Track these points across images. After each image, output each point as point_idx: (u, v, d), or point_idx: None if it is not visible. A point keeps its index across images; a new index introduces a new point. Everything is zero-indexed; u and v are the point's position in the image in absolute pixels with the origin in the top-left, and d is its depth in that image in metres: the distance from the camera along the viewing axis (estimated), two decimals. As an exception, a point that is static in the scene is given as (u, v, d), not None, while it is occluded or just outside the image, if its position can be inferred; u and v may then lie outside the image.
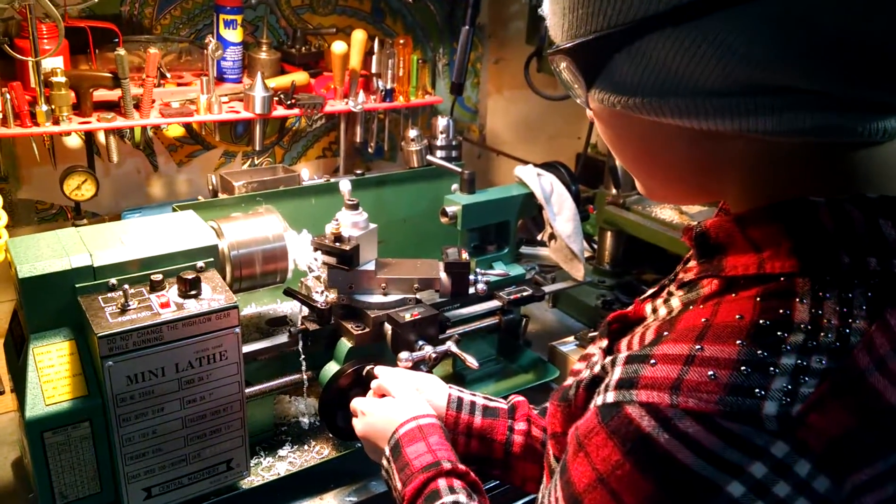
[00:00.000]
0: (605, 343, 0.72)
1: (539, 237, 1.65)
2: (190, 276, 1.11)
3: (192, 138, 1.81)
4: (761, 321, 0.55)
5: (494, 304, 1.51)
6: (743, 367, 0.53)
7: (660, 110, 0.60)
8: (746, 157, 0.62)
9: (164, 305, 1.08)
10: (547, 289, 1.60)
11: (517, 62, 2.11)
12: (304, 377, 1.34)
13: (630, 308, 0.77)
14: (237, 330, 1.13)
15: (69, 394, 1.06)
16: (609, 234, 1.96)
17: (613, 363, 0.62)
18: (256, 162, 1.92)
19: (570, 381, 0.76)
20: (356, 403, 1.12)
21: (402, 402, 1.06)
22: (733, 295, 0.59)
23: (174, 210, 1.37)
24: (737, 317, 0.56)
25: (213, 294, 1.13)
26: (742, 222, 0.62)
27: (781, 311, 0.55)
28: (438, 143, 1.72)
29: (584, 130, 2.47)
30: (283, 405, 1.45)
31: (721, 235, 0.64)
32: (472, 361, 1.26)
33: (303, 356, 1.32)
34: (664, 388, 0.55)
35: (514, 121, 2.35)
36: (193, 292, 1.11)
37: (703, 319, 0.58)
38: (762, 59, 0.54)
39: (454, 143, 1.74)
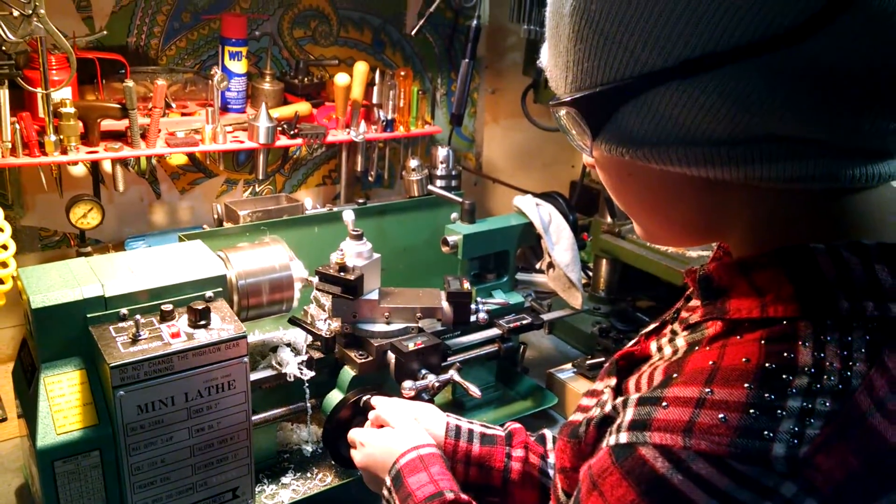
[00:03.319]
0: (613, 381, 0.74)
1: (538, 266, 1.68)
2: (200, 306, 1.13)
3: (195, 166, 1.84)
4: (767, 364, 0.57)
5: (494, 332, 1.53)
6: (752, 410, 0.55)
7: (667, 159, 0.62)
8: (750, 204, 0.65)
9: (175, 336, 1.10)
10: (545, 317, 1.62)
11: (513, 92, 2.15)
12: (308, 405, 1.36)
13: (635, 346, 0.79)
14: (245, 359, 1.15)
15: (80, 423, 1.08)
16: (604, 261, 1.99)
17: (625, 404, 0.64)
18: (258, 190, 1.94)
19: (578, 416, 0.78)
20: (354, 434, 1.13)
21: (402, 433, 1.07)
22: (738, 337, 0.61)
23: (180, 239, 1.39)
24: (743, 360, 0.58)
25: (223, 324, 1.15)
26: (745, 267, 0.65)
27: (786, 354, 0.57)
28: (438, 172, 1.76)
29: (579, 159, 2.52)
30: (285, 432, 1.46)
31: (725, 279, 0.66)
32: (474, 391, 1.28)
33: (306, 384, 1.34)
34: (677, 430, 0.57)
35: (509, 149, 2.39)
36: (203, 322, 1.13)
37: (710, 362, 0.60)
38: (770, 109, 0.56)
39: (454, 172, 1.77)
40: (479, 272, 1.65)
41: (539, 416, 1.61)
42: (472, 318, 1.43)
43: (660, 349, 0.75)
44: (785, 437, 0.54)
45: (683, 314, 0.77)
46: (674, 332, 0.75)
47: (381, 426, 1.13)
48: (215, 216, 1.55)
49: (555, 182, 2.45)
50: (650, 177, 0.67)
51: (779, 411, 0.55)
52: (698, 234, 0.72)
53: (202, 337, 1.11)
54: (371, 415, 1.16)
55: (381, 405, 1.15)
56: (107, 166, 1.62)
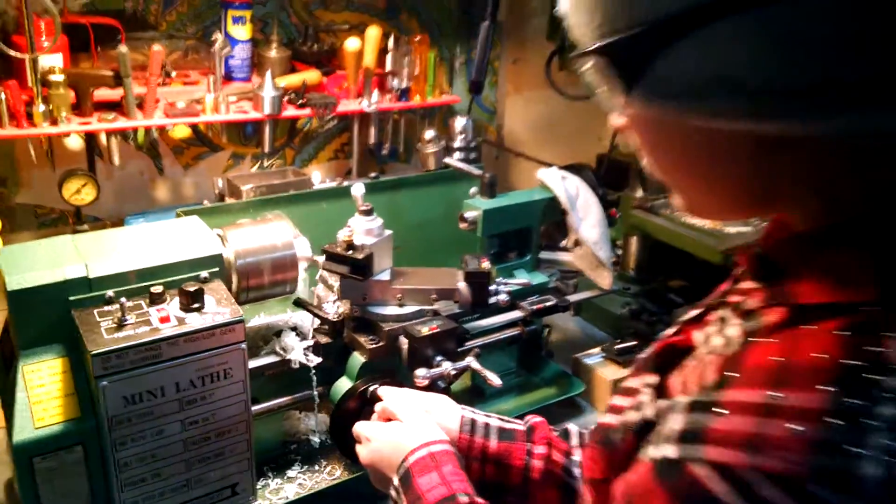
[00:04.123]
0: (654, 379, 0.63)
1: (563, 244, 1.56)
2: (192, 287, 1.03)
3: (199, 140, 1.74)
4: (849, 361, 0.47)
5: (516, 314, 1.42)
6: (832, 419, 0.45)
7: (716, 113, 0.51)
8: (813, 167, 0.54)
9: (164, 320, 1.01)
10: (571, 298, 1.51)
11: (536, 61, 2.03)
12: (315, 393, 1.26)
13: (676, 335, 0.68)
14: (243, 346, 1.05)
15: (61, 416, 0.99)
16: (634, 239, 1.86)
17: (671, 409, 0.53)
18: (266, 164, 1.84)
19: (610, 418, 0.67)
20: (360, 428, 1.04)
21: (411, 427, 0.98)
22: (807, 327, 0.51)
23: (178, 216, 1.30)
24: (817, 356, 0.48)
25: (218, 307, 1.05)
26: (815, 243, 0.54)
27: (871, 348, 0.47)
28: (456, 144, 1.64)
29: (606, 130, 2.39)
30: (291, 421, 1.37)
31: (790, 257, 0.56)
32: (493, 379, 1.18)
33: (313, 371, 1.24)
34: (739, 444, 0.47)
35: (532, 121, 2.26)
36: (196, 305, 1.03)
37: (777, 358, 0.50)
38: (839, 50, 0.46)
39: (473, 144, 1.65)
40: (500, 251, 1.53)
41: (564, 405, 1.50)
42: (492, 300, 1.32)
43: (707, 339, 0.64)
44: (877, 453, 0.44)
45: (733, 298, 0.65)
46: (723, 320, 0.64)
47: (389, 419, 1.03)
48: (216, 191, 1.46)
49: (581, 155, 2.32)
50: (695, 136, 0.57)
51: (868, 420, 0.44)
52: (749, 205, 0.61)
53: (195, 321, 1.01)
54: (377, 407, 1.07)
55: (389, 396, 1.06)
56: (104, 139, 1.52)
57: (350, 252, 1.21)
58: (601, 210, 1.51)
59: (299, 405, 1.29)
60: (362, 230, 1.25)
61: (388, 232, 1.28)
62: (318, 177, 1.56)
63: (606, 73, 0.56)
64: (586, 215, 1.50)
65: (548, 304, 1.43)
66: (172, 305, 1.04)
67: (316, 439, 1.31)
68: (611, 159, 1.94)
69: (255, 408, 1.22)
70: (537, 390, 1.55)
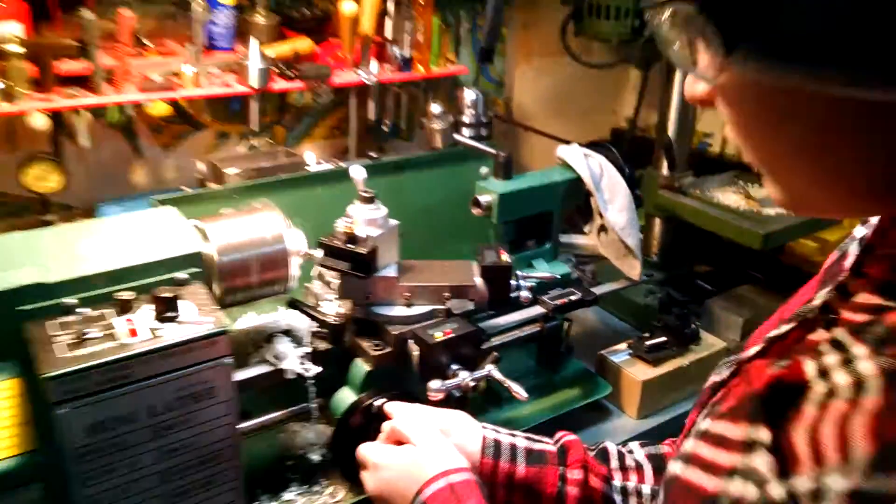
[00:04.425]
0: (766, 435, 0.48)
1: (586, 230, 1.41)
2: (167, 293, 0.88)
3: (180, 117, 1.57)
4: None
5: (537, 311, 1.27)
6: None
7: (847, 79, 0.39)
8: None
9: (134, 333, 0.85)
10: (598, 290, 1.36)
11: (548, 26, 1.86)
12: (313, 406, 1.12)
13: (779, 365, 0.53)
14: (228, 360, 0.90)
15: (15, 448, 0.84)
16: (657, 221, 1.71)
17: (817, 496, 0.38)
18: (255, 144, 1.68)
19: (698, 476, 0.52)
20: (366, 452, 0.91)
21: (426, 453, 0.86)
22: None
23: (153, 206, 1.14)
24: None
25: (198, 316, 0.89)
26: None
27: None
28: (465, 120, 1.47)
29: (622, 103, 2.23)
30: (288, 434, 1.22)
31: None
32: (520, 392, 1.03)
33: (311, 381, 1.09)
34: None
35: (543, 94, 2.09)
36: (171, 315, 0.88)
37: None
38: None
39: (484, 119, 1.49)
40: (516, 238, 1.38)
41: (590, 408, 1.36)
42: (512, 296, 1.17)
43: (825, 374, 0.49)
44: None
45: (848, 315, 0.50)
46: (839, 345, 0.48)
47: (399, 442, 0.89)
48: (198, 176, 1.29)
49: (594, 131, 2.16)
50: (807, 107, 0.43)
51: None
52: (873, 197, 0.47)
53: (171, 334, 0.86)
54: (385, 426, 0.93)
55: (399, 415, 0.93)
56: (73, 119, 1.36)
57: (351, 246, 1.06)
58: (629, 192, 1.36)
59: (294, 420, 1.14)
60: (364, 220, 1.10)
61: (393, 222, 1.13)
62: (313, 157, 1.40)
63: (699, 26, 0.43)
64: (613, 198, 1.34)
65: (572, 298, 1.28)
66: (144, 314, 0.89)
67: (316, 457, 1.16)
68: (633, 135, 1.79)
69: (245, 424, 1.08)
70: (558, 392, 1.40)
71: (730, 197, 1.52)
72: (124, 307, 0.88)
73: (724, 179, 1.62)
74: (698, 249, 1.75)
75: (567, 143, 1.47)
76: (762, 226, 1.40)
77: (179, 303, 0.89)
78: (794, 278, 1.62)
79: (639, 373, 1.37)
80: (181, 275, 0.94)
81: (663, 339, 1.41)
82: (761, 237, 1.37)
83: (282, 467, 1.18)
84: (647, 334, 1.46)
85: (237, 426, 0.94)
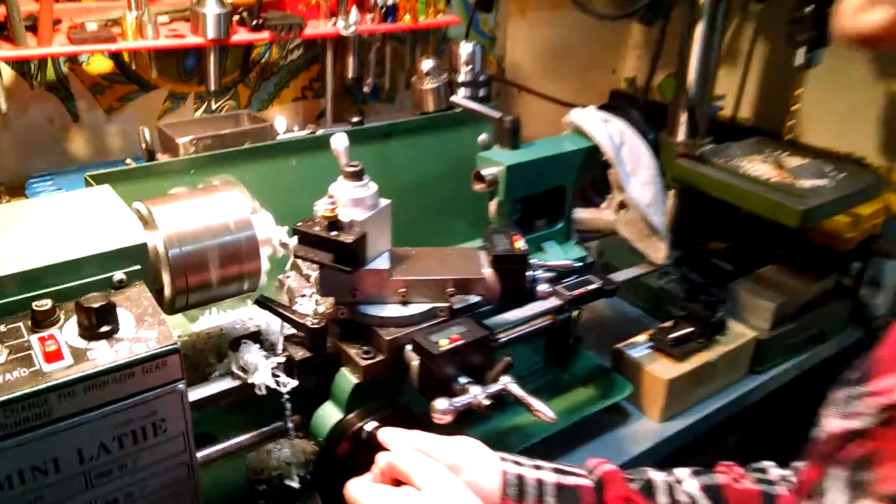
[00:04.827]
0: None
1: (603, 207, 1.22)
2: (98, 301, 0.67)
3: (124, 75, 1.35)
4: None
5: (552, 302, 1.09)
6: None
7: None
8: None
9: (54, 356, 0.65)
10: (617, 277, 1.18)
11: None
12: (289, 424, 0.93)
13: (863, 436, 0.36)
14: (181, 386, 0.70)
15: None
16: (672, 193, 1.53)
17: None
18: (213, 107, 1.46)
19: None
20: (357, 496, 0.72)
21: (434, 500, 0.69)
22: None
23: (87, 184, 0.92)
24: None
25: (139, 329, 0.70)
26: None
27: None
28: (461, 78, 1.27)
29: (621, 63, 2.03)
30: (260, 454, 1.03)
31: None
32: (545, 412, 0.84)
33: (286, 398, 0.90)
34: None
35: (538, 51, 1.89)
36: (104, 329, 0.68)
37: None
38: None
39: (482, 78, 1.28)
40: (523, 217, 1.19)
41: (609, 411, 1.19)
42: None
43: None
44: None
45: None
46: None
47: (397, 481, 0.71)
48: (143, 146, 1.08)
49: (591, 92, 1.98)
50: None
51: None
52: None
53: (103, 355, 0.67)
54: (380, 459, 0.74)
55: (397, 448, 0.75)
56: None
57: (334, 233, 0.85)
58: (655, 162, 1.17)
59: (267, 441, 0.95)
60: (349, 200, 0.90)
61: (384, 201, 0.93)
62: (283, 123, 1.19)
63: None
64: (636, 169, 1.16)
65: (590, 288, 1.10)
66: (67, 330, 0.68)
67: (295, 484, 0.97)
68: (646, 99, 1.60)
69: (206, 451, 0.89)
70: (571, 392, 1.24)
71: (759, 167, 1.35)
72: (42, 321, 0.68)
73: (749, 147, 1.45)
74: (714, 223, 1.58)
75: (571, 106, 1.28)
76: (801, 201, 1.22)
77: (116, 312, 0.69)
78: (825, 257, 1.45)
79: (663, 370, 1.20)
80: (118, 275, 0.74)
81: (689, 329, 1.24)
82: (800, 214, 1.20)
83: (254, 492, 1.00)
84: (668, 324, 1.29)
85: (195, 457, 0.75)
